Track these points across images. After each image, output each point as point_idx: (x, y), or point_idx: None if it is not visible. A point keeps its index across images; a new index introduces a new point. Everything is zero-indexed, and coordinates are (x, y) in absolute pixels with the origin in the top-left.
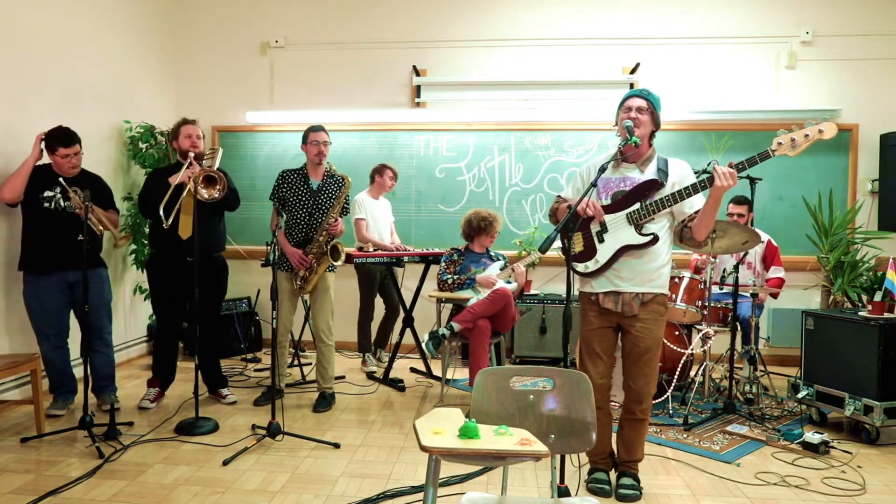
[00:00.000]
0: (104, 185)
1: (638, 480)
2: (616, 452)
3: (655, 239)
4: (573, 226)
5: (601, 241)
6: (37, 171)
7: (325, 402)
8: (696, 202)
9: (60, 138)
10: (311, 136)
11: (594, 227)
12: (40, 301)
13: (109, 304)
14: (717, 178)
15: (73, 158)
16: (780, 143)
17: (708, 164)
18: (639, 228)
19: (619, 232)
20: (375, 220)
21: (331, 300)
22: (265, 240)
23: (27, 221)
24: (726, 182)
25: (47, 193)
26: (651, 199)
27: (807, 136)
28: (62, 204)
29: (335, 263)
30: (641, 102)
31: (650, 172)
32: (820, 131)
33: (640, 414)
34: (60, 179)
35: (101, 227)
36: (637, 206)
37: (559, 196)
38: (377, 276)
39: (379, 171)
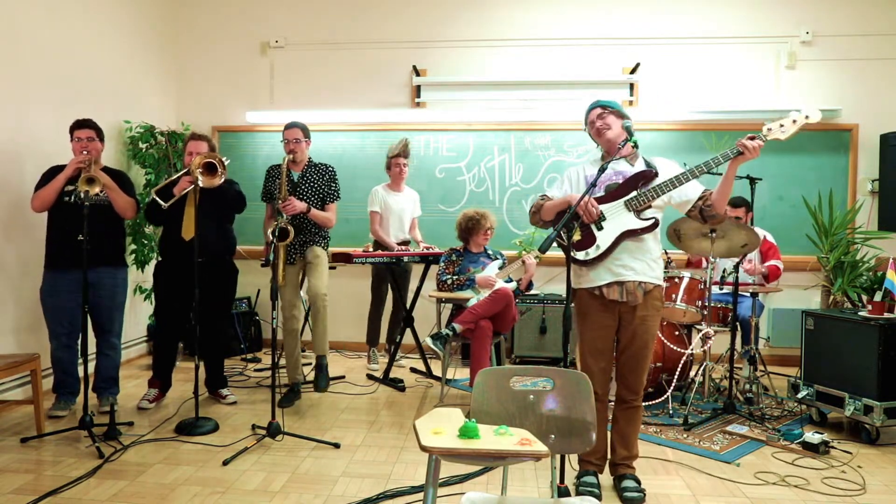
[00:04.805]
0: (125, 177)
1: (639, 482)
2: (612, 451)
3: (656, 223)
4: (573, 225)
5: (600, 228)
6: (60, 168)
7: (323, 375)
8: (691, 191)
9: (76, 122)
10: (285, 134)
11: None
12: (56, 299)
13: (122, 307)
14: (748, 153)
15: (85, 143)
16: (769, 129)
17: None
18: (638, 214)
19: (619, 218)
20: (392, 213)
21: (324, 266)
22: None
23: (50, 218)
24: (755, 154)
25: (68, 188)
26: (647, 187)
27: (794, 121)
28: (82, 196)
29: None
30: (598, 111)
31: (640, 166)
32: (806, 117)
33: (635, 402)
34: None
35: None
36: (634, 193)
37: (544, 195)
38: (379, 273)
39: (387, 165)
